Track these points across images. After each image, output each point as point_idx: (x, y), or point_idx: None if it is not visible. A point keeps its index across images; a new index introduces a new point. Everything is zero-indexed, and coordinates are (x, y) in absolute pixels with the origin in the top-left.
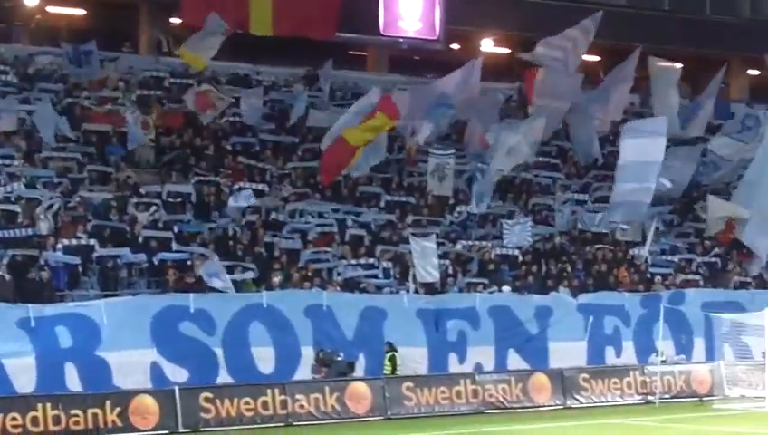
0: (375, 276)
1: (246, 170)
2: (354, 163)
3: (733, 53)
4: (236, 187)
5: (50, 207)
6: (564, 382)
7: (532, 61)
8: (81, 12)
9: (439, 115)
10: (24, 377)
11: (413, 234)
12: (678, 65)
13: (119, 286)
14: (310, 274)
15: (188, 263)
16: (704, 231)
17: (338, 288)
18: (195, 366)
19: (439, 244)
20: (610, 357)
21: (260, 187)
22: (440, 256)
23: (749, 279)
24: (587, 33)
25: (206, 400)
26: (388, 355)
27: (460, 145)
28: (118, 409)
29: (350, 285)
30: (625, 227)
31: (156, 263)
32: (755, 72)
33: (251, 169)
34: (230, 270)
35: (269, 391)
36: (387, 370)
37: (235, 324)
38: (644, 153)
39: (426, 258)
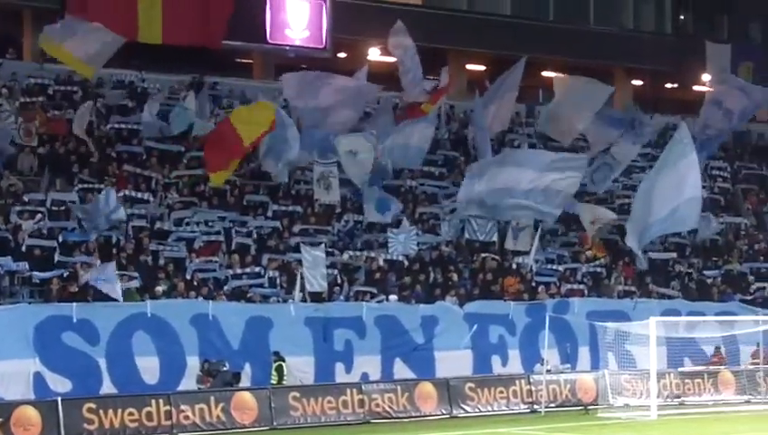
0: (261, 285)
1: (132, 178)
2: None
3: (616, 63)
4: (121, 194)
5: None
6: (450, 392)
7: None
8: None
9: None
10: None
11: (303, 243)
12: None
13: (0, 296)
14: (196, 283)
15: (72, 272)
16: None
17: (224, 298)
18: (78, 377)
19: (327, 253)
20: (496, 366)
21: (145, 195)
22: (328, 266)
23: (633, 288)
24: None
25: (90, 411)
26: (276, 365)
27: None
28: None
29: (237, 295)
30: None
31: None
32: (638, 83)
33: (136, 178)
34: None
35: (153, 401)
36: (274, 380)
37: (118, 334)
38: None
39: (316, 268)
